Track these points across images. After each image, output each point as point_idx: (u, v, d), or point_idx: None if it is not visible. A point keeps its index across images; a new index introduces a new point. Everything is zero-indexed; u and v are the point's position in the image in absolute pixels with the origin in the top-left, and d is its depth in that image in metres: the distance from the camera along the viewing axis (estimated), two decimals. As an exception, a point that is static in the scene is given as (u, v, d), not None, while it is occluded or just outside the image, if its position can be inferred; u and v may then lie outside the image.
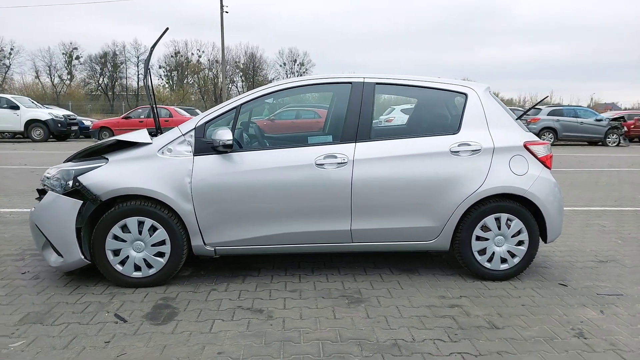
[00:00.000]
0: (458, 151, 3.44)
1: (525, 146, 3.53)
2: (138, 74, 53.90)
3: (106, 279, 3.40)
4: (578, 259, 4.14)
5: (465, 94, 3.61)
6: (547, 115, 17.86)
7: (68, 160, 3.55)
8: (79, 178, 3.22)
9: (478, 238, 3.51)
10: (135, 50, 56.25)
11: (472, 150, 3.45)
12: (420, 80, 3.64)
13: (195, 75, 60.15)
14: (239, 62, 56.89)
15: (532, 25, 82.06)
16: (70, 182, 3.23)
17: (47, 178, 3.39)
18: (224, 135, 3.18)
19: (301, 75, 61.93)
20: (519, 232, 3.52)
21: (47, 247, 3.36)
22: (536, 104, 5.51)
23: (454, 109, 3.66)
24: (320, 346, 2.56)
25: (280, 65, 58.30)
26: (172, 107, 20.20)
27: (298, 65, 59.55)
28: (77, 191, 3.22)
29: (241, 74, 57.70)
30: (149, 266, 3.34)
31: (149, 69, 3.62)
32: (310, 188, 3.35)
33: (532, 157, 3.53)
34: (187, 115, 19.58)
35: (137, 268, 3.33)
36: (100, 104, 45.81)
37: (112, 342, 2.58)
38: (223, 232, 3.36)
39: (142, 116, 18.97)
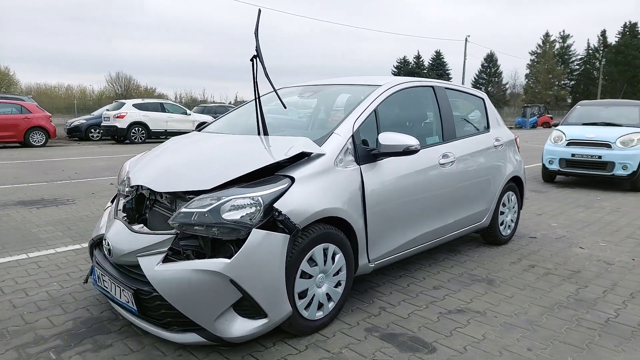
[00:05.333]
0: (497, 145, 4.27)
1: (515, 139, 4.67)
2: None
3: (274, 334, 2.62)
4: (497, 220, 5.64)
5: (482, 98, 4.45)
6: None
7: (216, 188, 2.44)
8: (275, 205, 2.37)
9: (501, 212, 4.45)
10: None
11: (501, 144, 4.35)
12: (460, 86, 4.24)
13: None
14: None
15: (167, 23, 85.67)
16: (248, 212, 2.33)
17: (197, 213, 2.30)
18: (407, 140, 2.97)
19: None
20: (515, 204, 4.66)
21: (226, 313, 2.30)
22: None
23: (481, 111, 4.43)
24: (541, 316, 2.99)
25: None
26: None
27: None
28: (271, 224, 2.36)
29: None
30: (329, 300, 2.78)
31: (261, 60, 2.84)
32: (438, 186, 3.51)
33: (516, 147, 4.72)
34: None
35: (319, 307, 2.72)
36: None
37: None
38: (382, 244, 3.12)
39: None
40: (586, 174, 8.00)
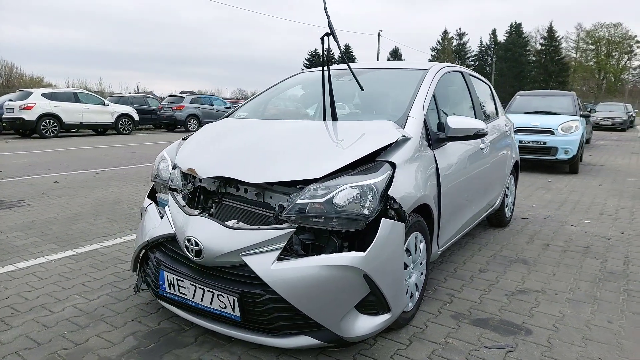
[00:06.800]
0: (507, 130, 4.42)
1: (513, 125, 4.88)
2: None
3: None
4: (480, 204, 5.88)
5: (489, 85, 4.56)
6: (190, 103, 19.07)
7: (319, 178, 2.19)
8: (389, 193, 2.21)
9: (506, 195, 4.63)
10: None
11: (509, 129, 4.51)
12: (473, 71, 4.31)
13: None
14: None
15: (53, 5, 77.83)
16: (363, 200, 2.14)
17: (311, 204, 2.08)
18: (477, 123, 2.93)
19: None
20: (514, 187, 4.88)
21: (350, 313, 2.10)
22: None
23: (491, 97, 4.54)
24: (593, 289, 3.17)
25: None
26: None
27: None
28: (383, 213, 2.20)
29: None
30: (417, 289, 2.68)
31: (335, 38, 2.64)
32: (479, 169, 3.54)
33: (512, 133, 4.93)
34: None
35: (410, 297, 2.61)
36: None
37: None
38: (447, 229, 3.08)
39: None
40: (532, 159, 8.64)
